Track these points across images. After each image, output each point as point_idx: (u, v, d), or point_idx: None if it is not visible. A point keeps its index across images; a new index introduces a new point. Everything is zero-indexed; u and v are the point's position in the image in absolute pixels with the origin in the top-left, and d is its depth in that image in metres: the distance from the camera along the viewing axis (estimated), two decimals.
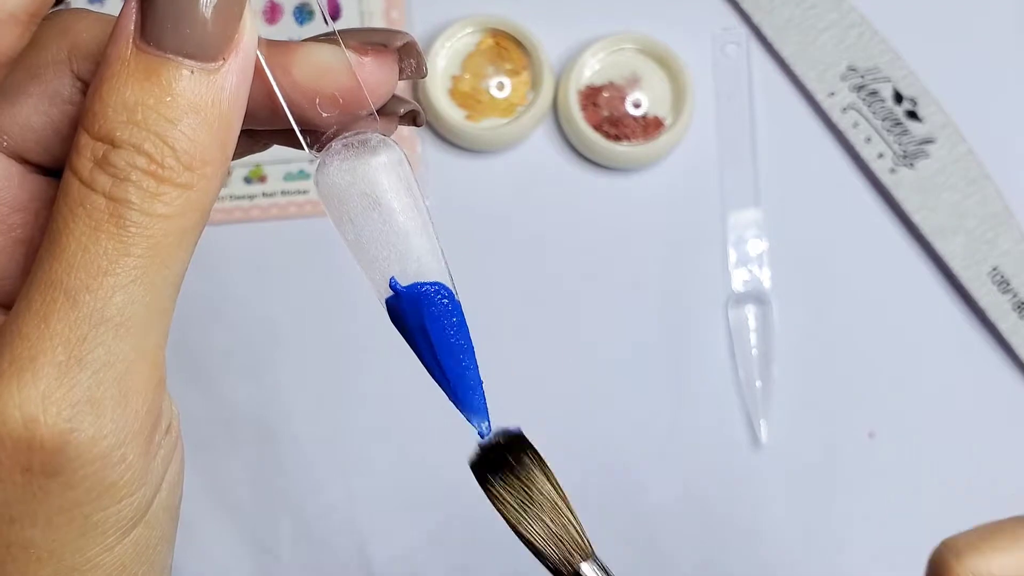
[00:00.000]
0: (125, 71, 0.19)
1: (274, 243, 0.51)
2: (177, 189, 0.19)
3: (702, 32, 0.52)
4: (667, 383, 0.50)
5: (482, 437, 0.25)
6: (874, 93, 0.51)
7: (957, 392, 0.50)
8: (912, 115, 0.51)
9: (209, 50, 0.19)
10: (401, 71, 0.23)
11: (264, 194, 0.51)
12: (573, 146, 0.51)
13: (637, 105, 0.51)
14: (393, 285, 0.23)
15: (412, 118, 0.24)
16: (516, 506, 0.25)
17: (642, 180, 0.51)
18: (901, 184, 0.50)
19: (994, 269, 0.50)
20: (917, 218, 0.50)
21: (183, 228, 0.20)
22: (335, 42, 0.22)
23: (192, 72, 0.19)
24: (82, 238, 0.19)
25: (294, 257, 0.51)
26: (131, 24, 0.19)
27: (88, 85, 0.22)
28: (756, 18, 0.52)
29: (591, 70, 0.51)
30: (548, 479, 0.26)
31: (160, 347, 0.20)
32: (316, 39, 0.22)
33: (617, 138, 0.50)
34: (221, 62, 0.19)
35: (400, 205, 0.22)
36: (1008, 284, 0.49)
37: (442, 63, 0.51)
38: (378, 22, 0.52)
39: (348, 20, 0.51)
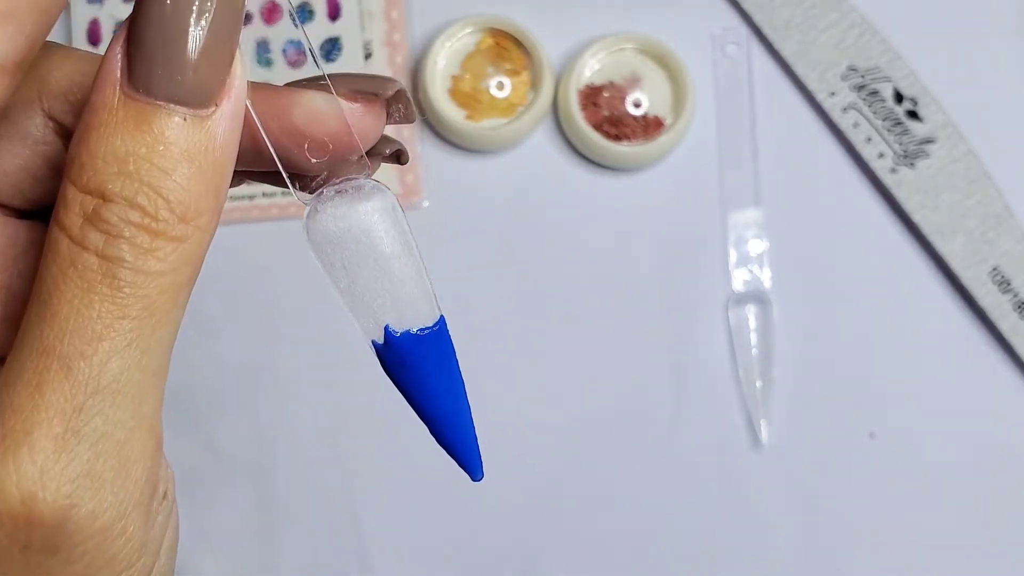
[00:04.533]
0: (113, 119, 0.18)
1: (274, 243, 0.51)
2: (171, 243, 0.18)
3: (702, 32, 0.52)
4: (667, 383, 0.50)
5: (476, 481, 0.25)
6: (875, 93, 0.51)
7: (957, 392, 0.50)
8: (913, 115, 0.51)
9: (201, 96, 0.18)
10: (389, 116, 0.22)
11: (264, 194, 0.51)
12: (573, 146, 0.51)
13: (637, 105, 0.51)
14: (389, 334, 0.23)
15: (396, 156, 0.23)
16: None
17: (642, 180, 0.51)
18: (902, 184, 0.50)
19: (995, 269, 0.50)
20: (918, 218, 0.50)
21: (177, 284, 0.19)
22: (324, 88, 0.21)
23: (184, 119, 0.18)
24: (74, 301, 0.18)
25: (294, 257, 0.51)
26: (117, 69, 0.18)
27: (60, 125, 0.22)
28: (756, 18, 0.52)
29: (591, 70, 0.51)
30: None
31: (157, 411, 0.20)
32: (304, 84, 0.22)
33: (617, 138, 0.50)
34: (213, 108, 0.19)
35: (395, 251, 0.22)
36: (1009, 284, 0.49)
37: (442, 63, 0.51)
38: (378, 22, 0.51)
39: (348, 20, 0.51)
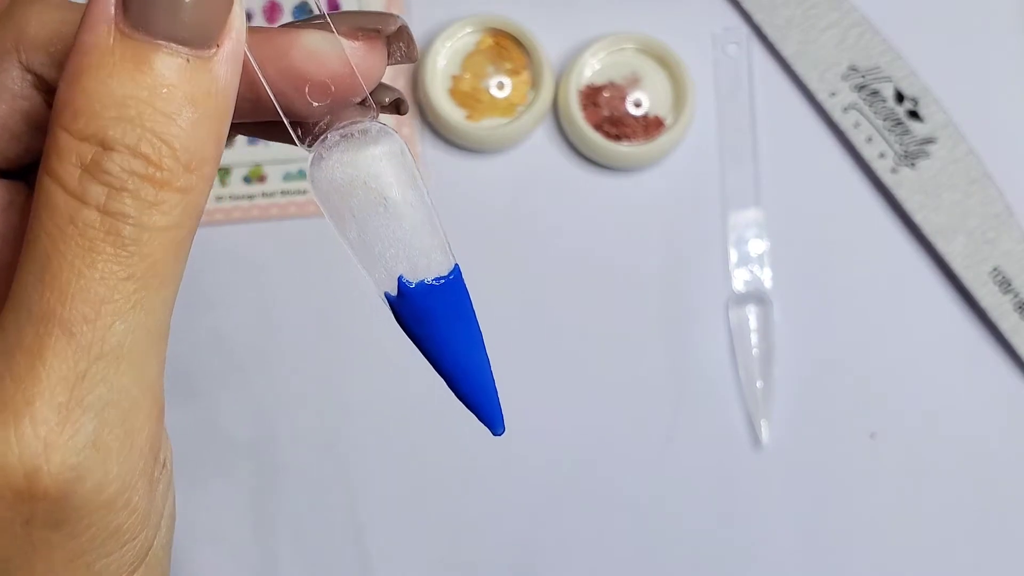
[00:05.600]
0: (109, 60, 0.17)
1: (274, 243, 0.51)
2: (177, 195, 0.17)
3: (703, 32, 0.52)
4: (667, 383, 0.50)
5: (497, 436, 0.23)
6: (875, 93, 0.51)
7: (958, 392, 0.50)
8: (913, 115, 0.51)
9: (204, 35, 0.17)
10: (390, 55, 0.21)
11: (264, 194, 0.51)
12: (573, 146, 0.51)
13: (638, 105, 0.51)
14: (402, 285, 0.21)
15: (396, 106, 0.22)
16: None
17: (642, 180, 0.51)
18: (902, 184, 0.50)
19: (995, 269, 0.49)
20: (918, 218, 0.50)
21: (180, 239, 0.18)
22: (324, 27, 0.20)
23: (187, 60, 0.17)
24: (75, 262, 0.17)
25: (294, 257, 0.51)
26: (110, 6, 0.17)
27: (39, 78, 0.20)
28: (757, 18, 0.52)
29: (591, 70, 0.51)
30: None
31: (160, 375, 0.19)
32: (302, 23, 0.21)
33: (617, 138, 0.50)
34: (215, 49, 0.17)
35: (406, 198, 0.21)
36: (1009, 284, 0.49)
37: (442, 63, 0.51)
38: None
39: None
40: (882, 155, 0.51)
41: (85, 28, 0.17)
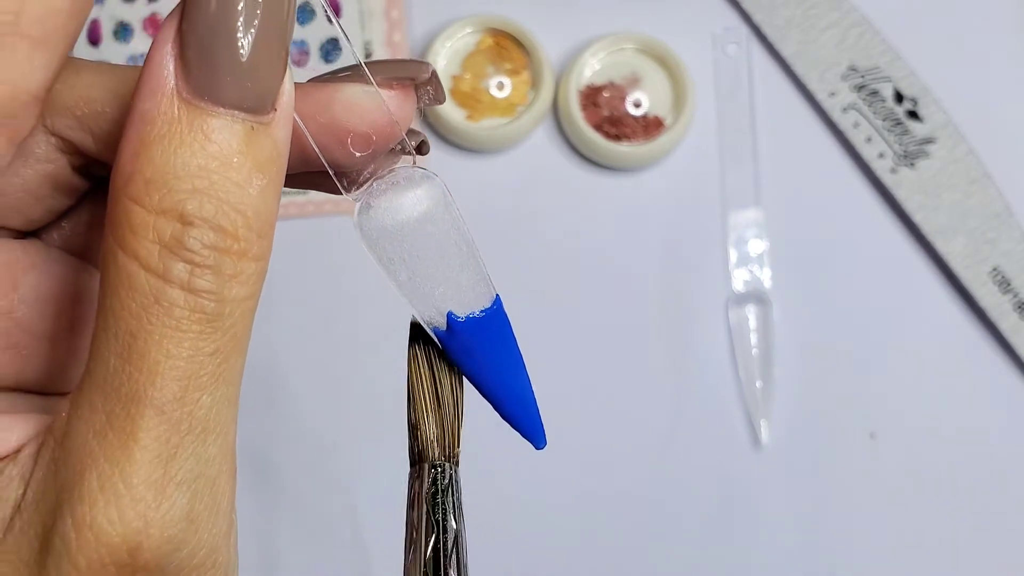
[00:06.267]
0: (177, 130, 0.16)
1: (274, 243, 0.51)
2: (253, 263, 0.17)
3: (702, 32, 0.52)
4: (667, 383, 0.50)
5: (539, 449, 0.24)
6: (875, 93, 0.51)
7: (957, 392, 0.50)
8: (913, 115, 0.51)
9: (265, 100, 0.17)
10: (419, 99, 0.22)
11: None
12: (573, 146, 0.51)
13: (637, 105, 0.51)
14: (452, 321, 0.22)
15: (419, 147, 0.23)
16: (426, 380, 0.24)
17: (642, 180, 0.51)
18: (902, 184, 0.50)
19: (995, 269, 0.49)
20: (918, 218, 0.50)
21: (254, 306, 0.18)
22: (358, 78, 0.20)
23: (253, 127, 0.17)
24: (163, 342, 0.17)
25: (294, 257, 0.51)
26: (169, 75, 0.16)
27: (64, 140, 0.20)
28: (757, 18, 0.52)
29: (591, 70, 0.51)
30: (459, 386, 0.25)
31: (235, 437, 0.19)
32: (337, 76, 0.21)
33: (617, 138, 0.50)
34: (273, 113, 0.17)
35: (452, 238, 0.22)
36: (1009, 284, 0.49)
37: (442, 63, 0.51)
38: (378, 21, 0.51)
39: (347, 19, 0.51)
40: (881, 155, 0.51)
41: (144, 96, 0.17)
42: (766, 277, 0.50)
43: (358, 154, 0.21)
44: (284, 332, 0.51)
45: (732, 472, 0.49)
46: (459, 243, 0.22)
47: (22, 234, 0.21)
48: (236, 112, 0.17)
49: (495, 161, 0.52)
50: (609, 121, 0.50)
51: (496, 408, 0.23)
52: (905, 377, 0.50)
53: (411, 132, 0.22)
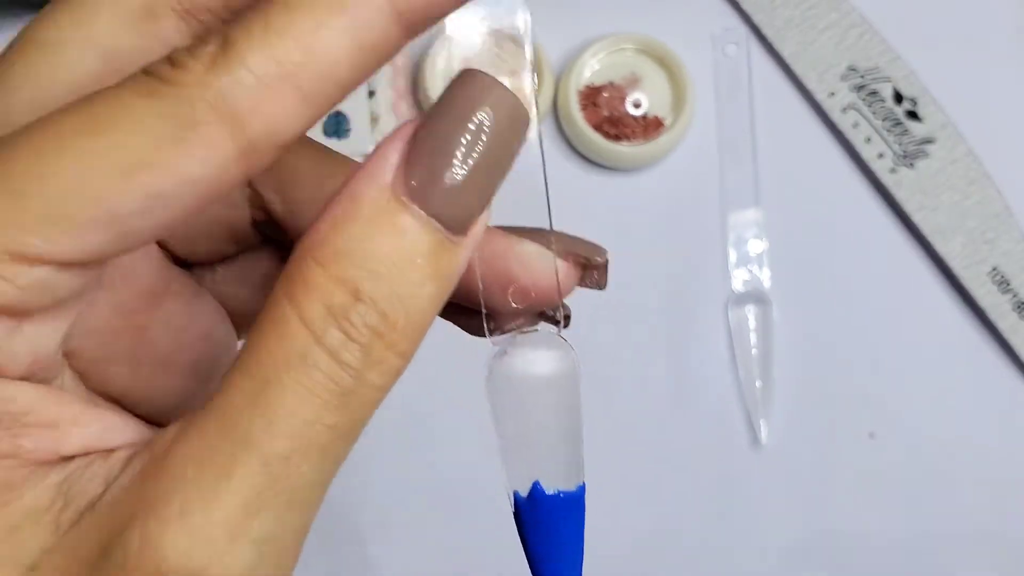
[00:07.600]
0: (380, 218, 0.17)
1: None
2: (396, 359, 0.18)
3: (702, 32, 0.52)
4: (667, 383, 0.50)
5: None
6: (874, 93, 0.51)
7: (957, 392, 0.50)
8: (912, 115, 0.51)
9: (464, 222, 0.18)
10: (584, 279, 0.23)
11: None
12: (573, 146, 0.51)
13: (637, 105, 0.51)
14: (537, 491, 0.23)
15: (566, 319, 0.24)
16: None
17: (642, 180, 0.51)
18: (901, 184, 0.50)
19: (994, 269, 0.50)
20: (917, 218, 0.50)
21: (378, 403, 0.18)
22: (538, 239, 0.22)
23: (442, 242, 0.18)
24: (293, 399, 0.17)
25: None
26: (390, 169, 0.17)
27: (256, 194, 0.21)
28: (756, 18, 0.52)
29: (591, 70, 0.51)
30: None
31: (311, 522, 0.19)
32: (521, 231, 0.22)
33: (617, 138, 0.50)
34: (464, 237, 0.18)
35: (568, 412, 0.23)
36: (1008, 284, 0.49)
37: (442, 63, 0.51)
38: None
39: None
40: (881, 155, 0.51)
41: (363, 178, 0.18)
42: (766, 277, 0.50)
43: (515, 305, 0.22)
44: None
45: (731, 472, 0.49)
46: (572, 419, 0.23)
47: (179, 262, 0.22)
48: (435, 222, 0.18)
49: None
50: (609, 121, 0.50)
51: None
52: (904, 377, 0.50)
53: (563, 304, 0.23)
